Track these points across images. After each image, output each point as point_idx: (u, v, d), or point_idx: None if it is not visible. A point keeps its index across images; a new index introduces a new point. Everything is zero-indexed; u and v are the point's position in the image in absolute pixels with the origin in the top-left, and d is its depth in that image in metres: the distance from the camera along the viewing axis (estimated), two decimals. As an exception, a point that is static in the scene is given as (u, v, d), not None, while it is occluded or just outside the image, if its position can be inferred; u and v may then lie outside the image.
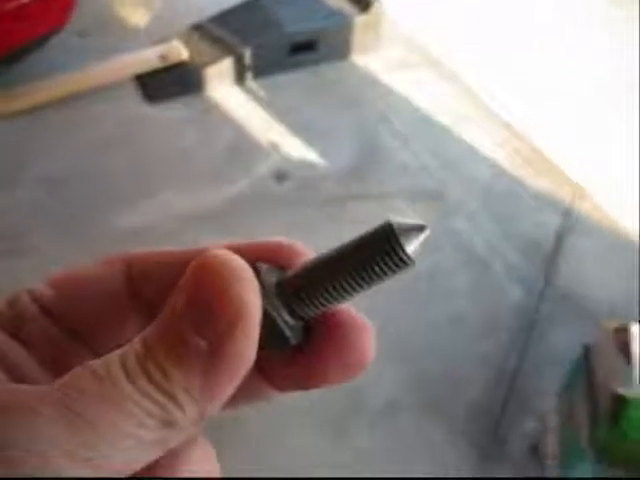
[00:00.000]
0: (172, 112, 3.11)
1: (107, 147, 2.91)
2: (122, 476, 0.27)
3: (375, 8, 3.42)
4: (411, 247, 0.29)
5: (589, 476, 1.77)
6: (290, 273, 0.32)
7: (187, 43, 3.28)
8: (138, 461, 0.27)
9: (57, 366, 0.33)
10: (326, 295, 0.31)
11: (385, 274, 0.30)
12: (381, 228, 0.30)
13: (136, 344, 0.28)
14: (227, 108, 3.16)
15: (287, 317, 0.31)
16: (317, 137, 3.06)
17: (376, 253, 0.29)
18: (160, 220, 2.57)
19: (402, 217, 0.30)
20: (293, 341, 0.32)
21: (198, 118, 3.11)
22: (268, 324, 0.30)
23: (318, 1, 3.47)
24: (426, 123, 3.17)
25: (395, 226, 0.29)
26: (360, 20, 3.40)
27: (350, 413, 2.08)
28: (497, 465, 2.00)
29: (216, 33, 3.30)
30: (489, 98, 3.29)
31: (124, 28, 3.62)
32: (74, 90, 3.08)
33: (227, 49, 3.24)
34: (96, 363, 0.27)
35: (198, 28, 3.36)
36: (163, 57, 3.20)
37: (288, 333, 0.31)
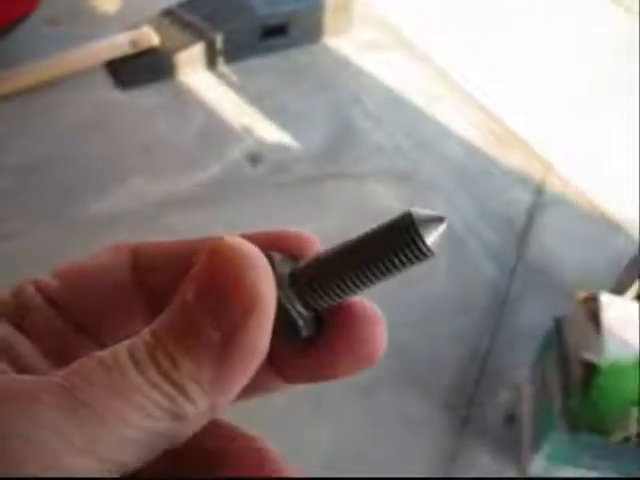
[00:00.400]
0: (144, 98, 3.10)
1: (79, 134, 2.90)
2: (128, 470, 0.26)
3: (346, -10, 3.42)
4: (430, 238, 0.29)
5: (562, 445, 1.81)
6: (304, 263, 0.32)
7: (158, 29, 3.26)
8: (145, 455, 0.26)
9: (62, 358, 0.32)
10: (341, 286, 0.30)
11: (403, 265, 0.29)
12: (400, 219, 0.29)
13: (145, 334, 0.27)
14: (199, 93, 3.16)
15: (300, 308, 0.31)
16: (290, 120, 3.06)
17: (395, 244, 0.29)
18: (134, 206, 2.56)
19: (421, 208, 0.29)
20: (305, 333, 0.31)
21: (170, 104, 3.10)
22: (281, 314, 0.29)
23: (289, -16, 3.46)
24: (399, 104, 3.19)
25: (415, 217, 0.29)
26: (331, 2, 3.40)
27: (327, 388, 2.09)
28: (474, 438, 2.03)
29: (187, 18, 3.28)
30: (462, 79, 3.30)
31: (95, 16, 3.59)
32: (44, 78, 3.05)
33: (198, 34, 3.22)
34: (104, 353, 0.26)
35: (169, 14, 3.34)
36: (134, 43, 3.18)
37: (301, 324, 0.31)
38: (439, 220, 0.29)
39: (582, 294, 1.89)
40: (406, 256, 0.29)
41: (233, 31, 3.24)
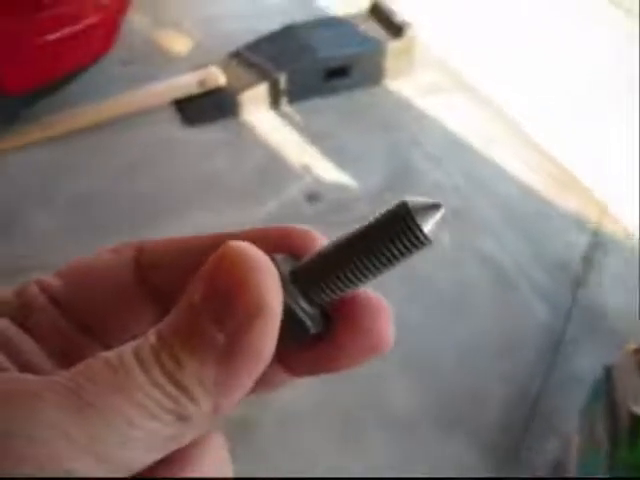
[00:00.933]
0: (208, 135, 3.21)
1: (144, 167, 3.02)
2: (132, 471, 0.26)
3: (408, 34, 3.47)
4: (427, 226, 0.29)
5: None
6: (305, 260, 0.31)
7: (225, 69, 3.39)
8: (150, 456, 0.26)
9: (67, 358, 0.32)
10: (343, 279, 0.30)
11: (402, 254, 0.29)
12: (396, 208, 0.29)
13: (150, 335, 0.27)
14: (261, 131, 3.25)
15: (305, 305, 0.31)
16: (350, 160, 3.11)
17: (392, 233, 0.29)
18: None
19: (419, 197, 0.29)
20: (313, 330, 0.31)
21: (232, 141, 3.19)
22: (287, 315, 0.29)
23: (352, 27, 3.55)
24: (457, 145, 3.20)
25: (410, 205, 0.29)
26: (393, 46, 3.46)
27: (368, 424, 2.09)
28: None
29: (252, 59, 3.40)
30: (519, 121, 3.30)
31: (166, 56, 3.76)
32: (116, 114, 3.20)
33: (263, 75, 3.33)
34: (109, 353, 0.26)
35: (236, 55, 3.46)
36: (201, 82, 3.30)
37: (308, 323, 0.31)
38: (435, 207, 0.29)
39: (633, 344, 1.85)
40: (404, 245, 0.29)
41: (296, 72, 3.33)
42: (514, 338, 2.36)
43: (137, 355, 0.26)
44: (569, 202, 2.90)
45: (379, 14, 3.63)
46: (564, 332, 2.36)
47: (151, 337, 0.27)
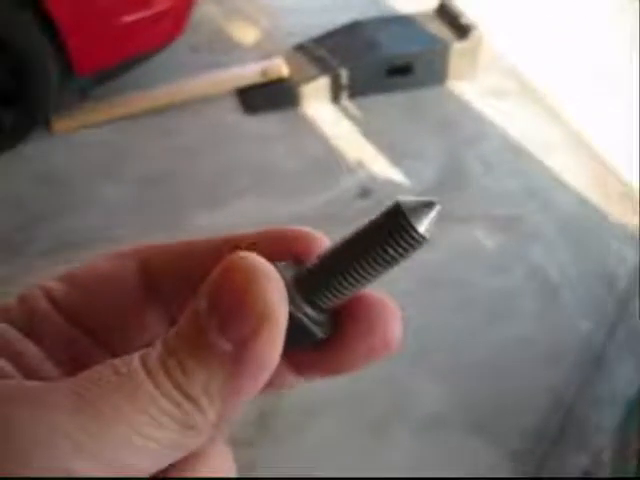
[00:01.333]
0: (267, 124, 3.27)
1: (204, 152, 3.11)
2: (139, 477, 0.26)
3: (474, 35, 3.46)
4: (422, 225, 0.29)
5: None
6: (307, 266, 0.32)
7: (289, 61, 3.44)
8: (154, 463, 0.27)
9: (73, 364, 0.32)
10: (345, 283, 0.30)
11: (400, 254, 0.29)
12: (390, 208, 0.29)
13: (158, 343, 0.27)
14: (320, 124, 3.29)
15: (311, 312, 0.31)
16: (405, 158, 3.13)
17: (387, 234, 0.29)
18: (241, 224, 2.71)
19: (412, 197, 0.30)
20: (321, 335, 0.32)
21: (291, 132, 3.25)
22: (294, 324, 0.29)
23: (417, 26, 3.56)
24: (515, 151, 3.18)
25: (403, 205, 0.29)
26: (458, 46, 3.45)
27: (392, 422, 2.11)
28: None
29: (317, 53, 3.44)
30: (582, 130, 3.25)
31: (233, 45, 3.84)
32: (181, 98, 3.30)
33: (325, 68, 3.37)
34: (117, 361, 0.27)
35: (301, 48, 3.52)
36: (264, 73, 3.37)
37: (315, 329, 0.31)
38: (429, 205, 0.29)
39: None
40: (399, 245, 0.29)
41: (359, 67, 3.36)
42: (554, 349, 2.34)
43: (144, 363, 0.27)
44: (625, 217, 2.85)
45: (446, 14, 3.62)
46: (605, 347, 2.33)
47: (158, 345, 0.27)
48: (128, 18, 2.97)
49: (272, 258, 0.30)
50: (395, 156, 3.13)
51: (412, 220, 0.29)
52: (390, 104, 3.43)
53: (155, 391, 0.26)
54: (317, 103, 3.39)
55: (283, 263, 0.31)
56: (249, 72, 3.39)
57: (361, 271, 0.30)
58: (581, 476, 2.01)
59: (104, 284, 0.34)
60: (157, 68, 3.39)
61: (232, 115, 3.33)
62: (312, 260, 0.32)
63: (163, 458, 0.27)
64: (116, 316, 0.34)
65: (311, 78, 3.35)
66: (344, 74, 3.35)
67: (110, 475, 0.25)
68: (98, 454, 0.25)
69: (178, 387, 0.26)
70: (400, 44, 3.43)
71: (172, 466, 0.28)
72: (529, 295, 2.51)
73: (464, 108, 3.45)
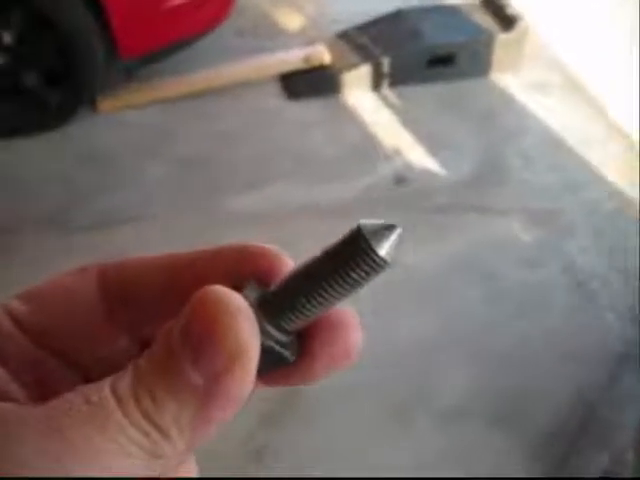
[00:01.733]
0: (308, 110, 3.30)
1: (245, 136, 3.16)
2: None
3: (519, 27, 3.43)
4: (382, 249, 0.29)
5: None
6: (272, 288, 0.32)
7: (331, 48, 3.46)
8: None
9: (39, 385, 0.32)
10: (309, 306, 0.31)
11: (362, 278, 0.30)
12: (350, 233, 0.30)
13: (129, 371, 0.27)
14: (359, 111, 3.31)
15: (280, 336, 0.31)
16: (442, 148, 3.13)
17: (349, 258, 0.29)
18: (276, 208, 2.75)
19: (373, 220, 0.30)
20: (292, 359, 0.32)
21: (331, 118, 3.28)
22: (265, 351, 0.30)
23: (462, 16, 3.54)
24: (555, 146, 3.15)
25: (364, 228, 0.29)
26: (502, 38, 3.43)
27: (415, 411, 2.13)
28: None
29: (359, 41, 3.45)
30: (624, 125, 3.20)
31: (278, 31, 3.87)
32: (224, 82, 3.35)
33: (367, 56, 3.38)
34: (88, 388, 0.27)
35: (344, 35, 3.53)
36: (307, 59, 3.40)
37: (286, 354, 0.32)
38: (389, 229, 0.29)
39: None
40: (361, 268, 0.29)
41: (401, 56, 3.36)
42: (582, 345, 2.33)
43: (115, 391, 0.27)
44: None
45: (492, 4, 3.60)
46: (632, 345, 2.31)
47: (130, 371, 0.27)
48: (175, 1, 3.03)
49: (232, 276, 0.32)
50: (433, 146, 3.13)
51: (373, 244, 0.29)
52: (430, 94, 3.43)
53: (124, 420, 0.26)
54: (358, 91, 3.40)
55: (249, 285, 0.32)
56: (292, 58, 3.42)
57: (325, 294, 0.30)
58: (602, 476, 2.00)
59: (67, 302, 0.34)
60: (202, 51, 3.45)
61: (274, 100, 3.37)
62: (277, 282, 0.32)
63: None
64: (81, 334, 0.34)
65: (353, 66, 3.37)
66: (386, 62, 3.36)
67: None
68: None
69: (147, 417, 0.26)
70: (443, 34, 3.42)
71: None
72: (561, 290, 2.49)
73: (506, 101, 3.42)
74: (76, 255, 2.51)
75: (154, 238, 2.56)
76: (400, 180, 2.96)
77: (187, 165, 2.99)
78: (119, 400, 0.26)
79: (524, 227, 2.74)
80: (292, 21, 3.93)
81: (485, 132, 3.23)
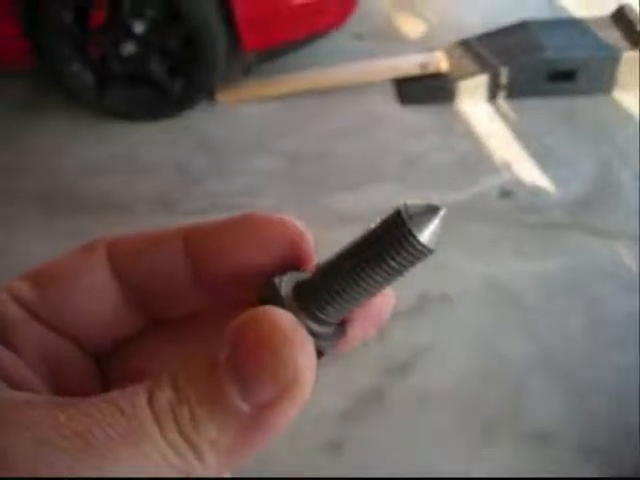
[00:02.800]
0: (420, 116, 3.30)
1: (354, 137, 3.20)
2: None
3: (648, 45, 3.30)
4: (424, 235, 0.27)
5: None
6: (309, 276, 0.30)
7: (449, 55, 3.45)
8: None
9: (53, 370, 0.31)
10: (348, 297, 0.29)
11: (404, 266, 0.28)
12: (391, 216, 0.28)
13: (166, 384, 0.26)
14: (472, 121, 3.28)
15: (318, 328, 0.29)
16: (554, 165, 3.05)
17: (388, 245, 0.27)
18: (375, 210, 2.75)
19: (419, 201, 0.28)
20: (329, 350, 0.30)
21: (442, 126, 3.26)
22: None
23: (588, 31, 3.43)
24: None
25: (404, 212, 0.27)
26: (630, 55, 3.30)
27: (505, 426, 2.09)
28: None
29: (478, 50, 3.42)
30: None
31: (397, 36, 3.89)
32: (337, 83, 3.41)
33: (486, 66, 3.34)
34: (120, 398, 0.26)
35: (463, 44, 3.51)
36: (424, 66, 3.40)
37: (323, 345, 0.29)
38: (432, 212, 0.27)
39: None
40: (402, 256, 0.27)
41: (520, 68, 3.30)
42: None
43: (152, 406, 0.25)
44: None
45: (622, 20, 3.47)
46: None
47: (167, 387, 0.26)
48: (298, 1, 3.10)
49: (237, 248, 0.31)
50: (544, 162, 3.05)
51: (413, 229, 0.27)
52: (548, 109, 3.35)
53: (160, 439, 0.25)
54: (473, 100, 3.37)
55: (284, 277, 0.30)
56: (408, 63, 3.43)
57: (365, 284, 0.28)
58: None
59: (77, 283, 0.32)
60: (320, 51, 3.52)
61: (387, 104, 3.39)
62: (313, 268, 0.31)
63: None
64: (94, 318, 0.33)
65: (470, 74, 3.34)
66: (504, 74, 3.31)
67: None
68: None
69: (185, 437, 0.25)
70: (566, 48, 3.33)
71: None
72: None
73: (626, 121, 3.29)
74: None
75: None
76: (506, 194, 2.91)
77: (296, 161, 3.06)
78: (156, 415, 0.25)
79: (631, 253, 2.63)
80: (412, 27, 3.93)
81: (601, 152, 3.12)
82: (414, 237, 0.27)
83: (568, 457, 2.02)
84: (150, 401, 0.25)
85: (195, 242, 0.33)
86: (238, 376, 0.25)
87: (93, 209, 2.85)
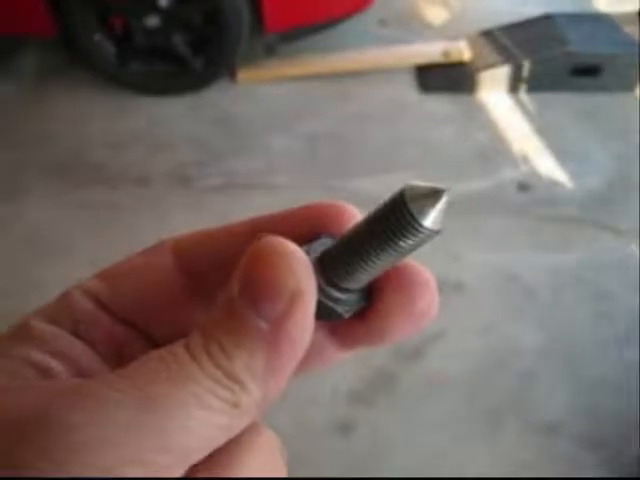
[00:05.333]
0: (440, 105, 3.29)
1: (373, 121, 3.19)
2: (190, 461, 0.27)
3: (674, 44, 3.27)
4: (427, 218, 0.27)
5: None
6: (330, 246, 0.32)
7: (472, 45, 3.43)
8: (205, 445, 0.27)
9: (120, 359, 0.33)
10: (357, 269, 0.30)
11: (409, 245, 0.29)
12: (395, 196, 0.28)
13: (198, 330, 0.28)
14: (492, 112, 3.26)
15: (332, 291, 0.31)
16: (572, 160, 3.04)
17: (392, 226, 0.28)
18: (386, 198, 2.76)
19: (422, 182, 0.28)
20: (348, 315, 0.32)
21: (461, 115, 3.25)
22: (319, 304, 0.30)
23: (614, 26, 3.41)
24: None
25: (407, 194, 0.28)
26: (654, 54, 3.28)
27: (510, 416, 2.10)
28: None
29: (502, 41, 3.40)
30: None
31: (421, 23, 3.88)
32: (359, 67, 3.40)
33: (508, 58, 3.33)
34: (161, 350, 0.28)
35: (487, 34, 3.49)
36: (446, 54, 3.38)
37: (340, 309, 0.31)
38: (435, 194, 0.27)
39: None
40: (405, 237, 0.28)
41: (543, 62, 3.28)
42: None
43: (188, 350, 0.27)
44: None
45: (648, 18, 3.45)
46: None
47: (197, 333, 0.28)
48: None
49: (303, 236, 0.32)
50: (563, 157, 3.04)
51: (415, 212, 0.27)
52: (569, 104, 3.33)
53: (200, 373, 0.27)
54: (493, 91, 3.36)
55: (317, 240, 0.32)
56: (431, 51, 3.42)
57: (375, 258, 0.29)
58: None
59: (145, 279, 0.35)
60: (343, 35, 3.51)
61: (407, 91, 3.38)
62: (336, 239, 0.32)
63: (212, 440, 0.28)
64: (161, 311, 0.35)
65: (492, 65, 3.32)
66: (526, 66, 3.29)
67: (167, 459, 0.26)
68: (162, 443, 0.26)
69: (221, 368, 0.27)
70: (591, 44, 3.31)
71: (215, 455, 0.28)
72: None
73: (648, 119, 3.28)
74: (195, 212, 2.64)
75: (271, 207, 2.63)
76: (524, 187, 2.90)
77: (314, 142, 3.06)
78: (194, 357, 0.27)
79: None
80: (436, 16, 3.91)
81: (620, 149, 3.10)
82: (415, 219, 0.27)
83: (573, 449, 2.02)
84: (186, 347, 0.28)
85: (262, 231, 0.34)
86: (251, 300, 0.28)
87: (110, 181, 2.86)
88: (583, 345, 2.28)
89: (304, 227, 0.34)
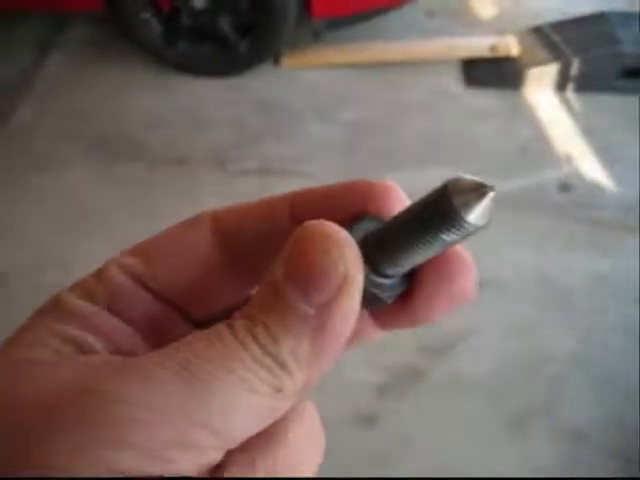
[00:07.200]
0: (484, 99, 3.24)
1: (416, 112, 3.16)
2: (236, 442, 0.27)
3: None
4: (471, 214, 0.27)
5: None
6: (376, 230, 0.31)
7: (521, 41, 3.37)
8: (250, 428, 0.27)
9: (159, 337, 0.33)
10: (404, 258, 0.30)
11: (453, 239, 0.28)
12: (436, 191, 0.28)
13: (243, 313, 0.28)
14: (537, 110, 3.20)
15: (374, 277, 0.31)
16: (616, 163, 2.97)
17: (436, 219, 0.28)
18: (425, 190, 2.73)
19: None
20: (390, 301, 0.32)
21: (506, 111, 3.20)
22: (363, 289, 0.29)
23: (670, 29, 3.32)
24: None
25: (452, 187, 0.27)
26: None
27: (535, 420, 2.07)
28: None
29: (551, 38, 3.33)
30: None
31: (469, 16, 3.81)
32: (404, 58, 3.36)
33: (557, 55, 3.26)
34: (207, 331, 0.28)
35: (536, 30, 3.42)
36: (493, 48, 3.33)
37: (383, 296, 0.31)
38: (481, 190, 0.27)
39: None
40: (450, 231, 0.28)
41: (593, 61, 3.21)
42: None
43: (234, 332, 0.27)
44: None
45: None
46: None
47: (241, 314, 0.28)
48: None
49: (345, 213, 0.32)
50: (607, 159, 2.98)
51: (457, 205, 0.27)
52: (617, 105, 3.25)
53: (245, 354, 0.27)
54: (540, 89, 3.29)
55: (360, 221, 0.32)
56: (478, 45, 3.37)
57: (419, 249, 0.29)
58: None
59: (182, 254, 0.34)
60: (390, 25, 3.47)
61: (453, 84, 3.33)
62: (383, 223, 0.31)
63: (257, 422, 0.28)
64: (198, 287, 0.34)
65: (540, 62, 3.26)
66: (575, 65, 3.22)
67: (214, 439, 0.26)
68: (209, 422, 0.26)
69: (266, 351, 0.27)
70: (644, 44, 3.22)
71: (263, 432, 0.29)
72: None
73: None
74: (229, 194, 2.64)
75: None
76: (565, 188, 2.84)
77: (354, 131, 3.04)
78: (236, 335, 0.27)
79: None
80: (486, 9, 3.85)
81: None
82: (457, 213, 0.27)
83: (596, 459, 1.99)
84: (231, 329, 0.27)
85: (301, 207, 0.34)
86: (297, 284, 0.27)
87: (148, 158, 2.88)
88: (615, 353, 2.24)
89: (347, 204, 0.33)
